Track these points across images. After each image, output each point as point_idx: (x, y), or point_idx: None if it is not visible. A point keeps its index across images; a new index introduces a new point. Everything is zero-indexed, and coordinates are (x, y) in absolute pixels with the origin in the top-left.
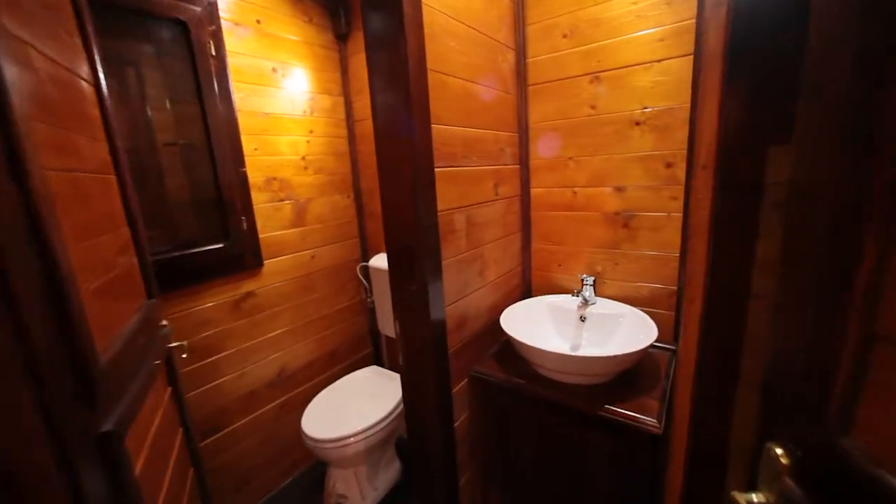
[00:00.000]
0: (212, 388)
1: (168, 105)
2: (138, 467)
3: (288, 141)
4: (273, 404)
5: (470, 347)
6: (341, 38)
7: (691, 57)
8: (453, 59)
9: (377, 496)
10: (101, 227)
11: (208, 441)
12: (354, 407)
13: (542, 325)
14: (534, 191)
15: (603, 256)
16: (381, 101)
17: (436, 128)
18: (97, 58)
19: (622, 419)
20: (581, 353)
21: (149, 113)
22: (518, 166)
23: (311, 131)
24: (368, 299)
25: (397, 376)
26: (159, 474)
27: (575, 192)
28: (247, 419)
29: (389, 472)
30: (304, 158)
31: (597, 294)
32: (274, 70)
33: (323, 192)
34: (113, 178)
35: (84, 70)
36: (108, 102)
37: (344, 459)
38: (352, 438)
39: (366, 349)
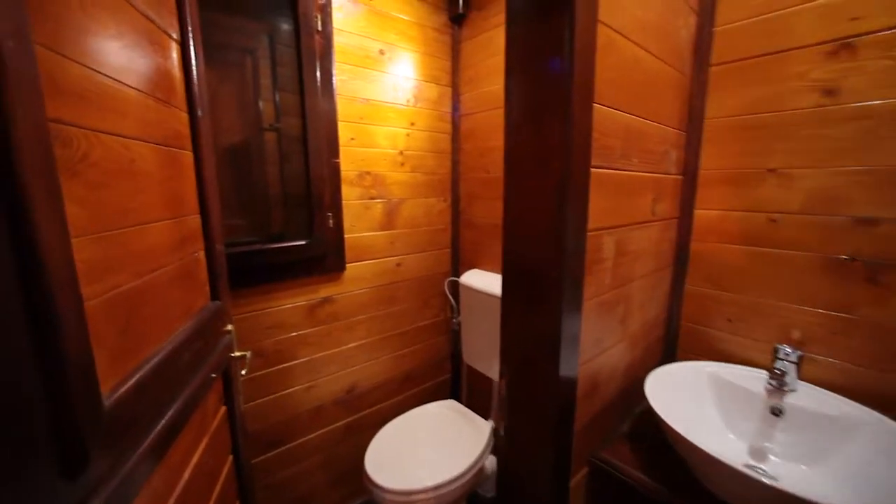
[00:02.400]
0: (278, 397)
1: (270, 87)
2: None
3: (386, 132)
4: (339, 423)
5: (597, 423)
6: (456, 20)
7: None
8: (627, 10)
9: None
10: (156, 210)
11: (267, 456)
12: (428, 452)
13: (701, 407)
14: (699, 212)
15: (814, 319)
16: (523, 62)
17: (597, 109)
18: (190, 15)
19: None
20: (774, 465)
21: (256, 99)
22: (681, 177)
23: (412, 123)
24: (454, 320)
25: (478, 419)
26: None
27: (775, 220)
28: (311, 436)
29: None
30: (401, 153)
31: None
32: (381, 52)
33: (418, 193)
34: (188, 154)
35: (171, 24)
36: (195, 67)
37: None
38: (421, 495)
39: (443, 375)
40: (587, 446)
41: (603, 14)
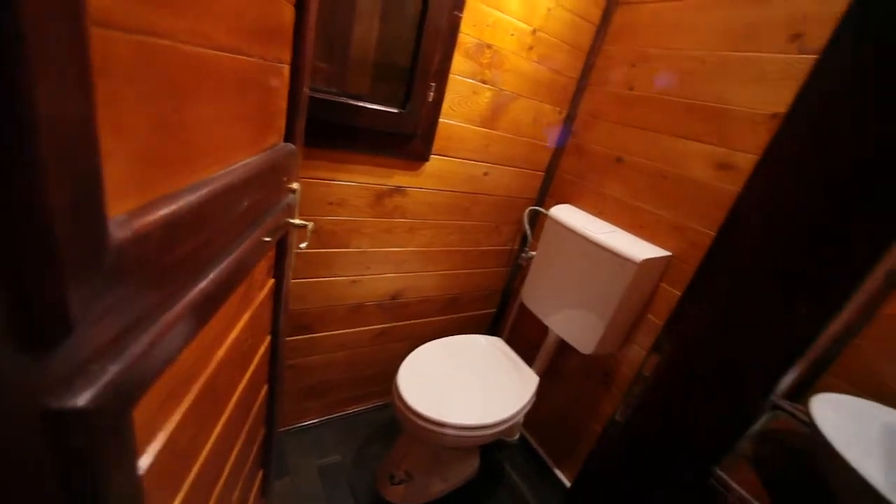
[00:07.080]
0: (320, 282)
1: None
2: (170, 427)
3: None
4: (374, 327)
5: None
6: None
7: None
8: None
9: (445, 489)
10: None
11: (295, 338)
12: (470, 387)
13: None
14: None
15: None
16: None
17: None
18: None
19: None
20: None
21: None
22: None
23: None
24: (523, 254)
25: (526, 367)
26: (211, 417)
27: None
28: (342, 331)
29: (466, 468)
30: (534, 33)
31: None
32: None
33: (534, 92)
34: None
35: None
36: None
37: (431, 441)
38: (452, 430)
39: (489, 308)
40: None
41: None
